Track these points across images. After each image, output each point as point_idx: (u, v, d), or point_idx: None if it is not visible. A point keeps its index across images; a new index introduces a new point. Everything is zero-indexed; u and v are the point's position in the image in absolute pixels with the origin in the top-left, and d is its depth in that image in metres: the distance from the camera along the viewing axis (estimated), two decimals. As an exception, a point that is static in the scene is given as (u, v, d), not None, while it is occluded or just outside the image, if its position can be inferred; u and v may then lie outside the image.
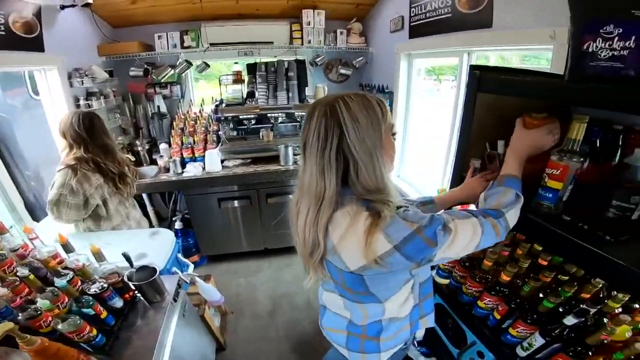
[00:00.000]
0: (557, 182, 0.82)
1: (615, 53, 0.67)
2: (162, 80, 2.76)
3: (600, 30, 0.68)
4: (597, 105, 0.70)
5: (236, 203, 2.66)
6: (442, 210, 0.87)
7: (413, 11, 2.25)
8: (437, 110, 2.49)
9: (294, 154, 2.67)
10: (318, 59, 2.98)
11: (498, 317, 1.09)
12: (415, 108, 2.63)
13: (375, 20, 2.90)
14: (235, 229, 2.80)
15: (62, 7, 2.11)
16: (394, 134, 0.83)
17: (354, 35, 3.05)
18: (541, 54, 1.69)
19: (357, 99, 0.74)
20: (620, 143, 0.82)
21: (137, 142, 2.82)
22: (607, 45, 0.67)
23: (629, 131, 0.85)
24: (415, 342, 1.65)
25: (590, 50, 0.70)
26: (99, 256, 1.34)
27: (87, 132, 1.66)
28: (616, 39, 0.66)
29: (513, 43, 1.48)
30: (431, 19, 2.06)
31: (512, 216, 0.81)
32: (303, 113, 2.77)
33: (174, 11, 2.67)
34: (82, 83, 2.27)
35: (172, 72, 2.65)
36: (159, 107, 2.91)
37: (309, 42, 2.90)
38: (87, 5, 2.17)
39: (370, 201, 0.74)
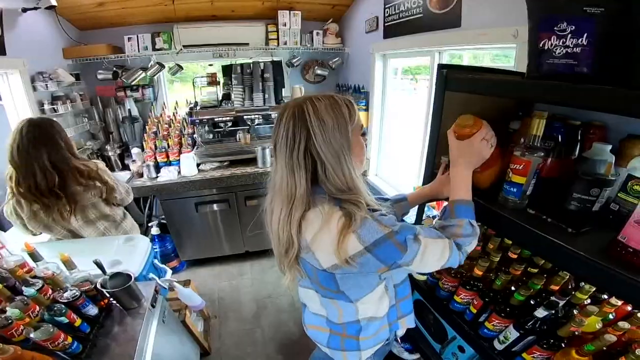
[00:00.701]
0: (520, 176, 0.84)
1: (569, 50, 0.68)
2: (133, 83, 2.68)
3: (555, 28, 0.70)
4: (554, 101, 0.72)
5: (214, 207, 2.61)
6: (419, 226, 0.88)
7: (387, 11, 2.27)
8: (413, 109, 2.53)
9: (272, 156, 2.62)
10: (294, 60, 2.97)
11: (474, 311, 1.11)
12: (391, 107, 2.65)
13: (351, 21, 2.92)
14: (214, 232, 2.75)
15: (24, 10, 2.01)
16: (363, 134, 0.84)
17: (330, 35, 3.06)
18: (510, 53, 1.74)
19: (324, 101, 0.76)
20: (579, 138, 0.85)
21: (108, 147, 2.72)
22: (561, 43, 0.69)
23: (588, 126, 0.89)
24: (398, 339, 1.66)
25: (546, 47, 0.72)
26: (69, 264, 1.31)
27: (24, 147, 1.41)
28: (569, 36, 0.68)
29: (479, 42, 1.52)
30: (404, 19, 2.09)
31: (471, 246, 0.86)
32: (280, 114, 2.74)
33: (145, 13, 2.60)
34: (47, 87, 2.18)
35: (144, 74, 2.57)
36: (130, 110, 2.82)
37: (285, 43, 2.89)
38: (50, 7, 2.07)
39: (342, 200, 0.76)
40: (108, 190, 1.70)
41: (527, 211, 0.86)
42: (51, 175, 1.47)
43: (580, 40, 0.67)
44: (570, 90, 0.67)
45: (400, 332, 1.10)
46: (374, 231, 0.73)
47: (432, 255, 0.79)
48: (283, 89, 2.91)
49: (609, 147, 0.75)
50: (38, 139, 1.45)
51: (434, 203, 1.82)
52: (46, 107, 2.19)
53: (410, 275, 1.35)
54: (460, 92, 0.97)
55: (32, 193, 1.46)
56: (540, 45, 0.72)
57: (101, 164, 1.72)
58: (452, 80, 0.99)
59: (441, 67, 1.02)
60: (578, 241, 0.73)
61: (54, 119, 2.22)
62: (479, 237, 1.17)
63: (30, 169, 1.44)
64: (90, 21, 2.58)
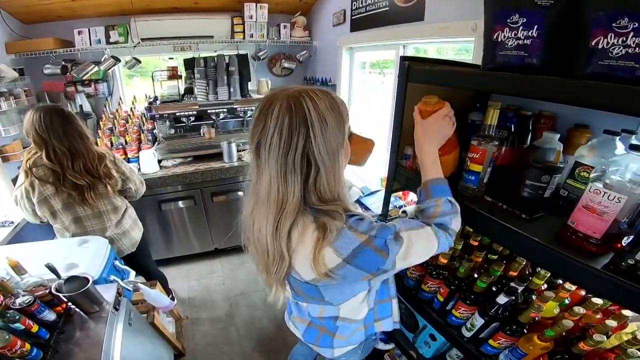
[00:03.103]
0: (477, 165, 0.86)
1: (520, 42, 0.70)
2: (85, 78, 2.52)
3: (507, 20, 0.71)
4: (505, 92, 0.74)
5: (180, 204, 2.52)
6: (396, 219, 0.81)
7: (354, 5, 2.28)
8: (381, 102, 2.56)
9: (238, 150, 2.59)
10: (261, 53, 2.91)
11: (441, 299, 1.13)
12: (359, 100, 2.67)
13: (319, 14, 2.90)
14: (181, 230, 2.66)
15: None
16: (350, 135, 0.79)
17: (298, 29, 3.02)
18: (470, 47, 1.79)
19: (323, 97, 0.67)
20: (531, 127, 0.88)
21: (58, 145, 2.53)
22: (513, 35, 0.71)
23: (538, 116, 0.92)
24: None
25: (499, 39, 0.73)
26: (18, 269, 1.25)
27: (48, 133, 1.44)
28: (521, 28, 0.69)
29: (441, 36, 1.55)
30: (371, 12, 2.10)
31: (457, 223, 0.84)
32: (246, 108, 2.68)
33: (99, 5, 2.44)
34: (-14, 83, 1.99)
35: (96, 69, 2.41)
36: (81, 106, 2.65)
37: (252, 36, 2.83)
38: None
39: (319, 211, 0.70)
40: (124, 180, 1.73)
41: (484, 199, 0.89)
42: (78, 160, 1.52)
43: (530, 32, 0.68)
44: (519, 81, 0.69)
45: (379, 330, 1.07)
46: (350, 241, 0.68)
47: (419, 247, 0.75)
48: (249, 83, 2.85)
49: (558, 135, 0.79)
50: (65, 124, 1.48)
51: (400, 193, 1.86)
52: (-14, 104, 2.01)
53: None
54: (422, 83, 0.98)
55: (57, 177, 1.49)
56: (494, 37, 0.74)
57: (116, 154, 1.72)
58: (414, 72, 1.00)
59: (404, 59, 1.02)
60: (531, 227, 0.76)
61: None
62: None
63: (58, 152, 1.47)
64: (36, 15, 2.39)
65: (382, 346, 1.66)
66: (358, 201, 1.98)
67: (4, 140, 2.17)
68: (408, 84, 1.03)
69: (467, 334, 1.04)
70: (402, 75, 1.04)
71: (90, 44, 2.51)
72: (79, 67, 2.36)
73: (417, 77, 0.99)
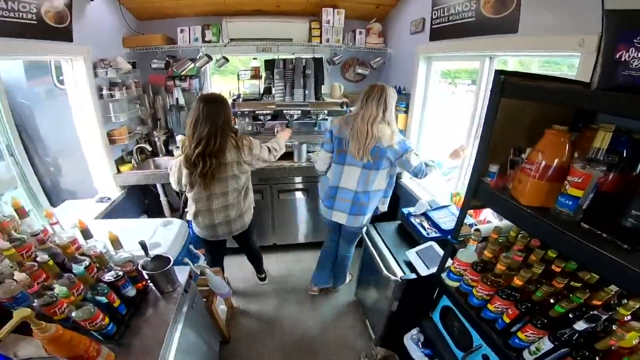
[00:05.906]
0: (578, 190, 0.82)
1: (647, 63, 0.67)
2: (182, 74, 2.80)
3: (634, 40, 0.68)
4: (626, 114, 0.70)
5: (249, 197, 2.68)
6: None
7: (435, 14, 2.23)
8: (452, 114, 2.49)
9: (308, 152, 2.69)
10: (336, 58, 2.98)
11: (507, 320, 1.10)
12: (431, 110, 2.62)
13: (395, 21, 2.89)
14: (246, 222, 2.82)
15: (92, -1, 2.13)
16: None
17: (373, 35, 3.04)
18: (562, 60, 1.68)
19: (390, 87, 1.86)
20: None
21: (155, 133, 2.87)
22: (639, 55, 0.68)
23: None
24: (419, 344, 1.66)
25: (622, 59, 0.70)
26: (116, 244, 1.30)
27: (195, 120, 1.74)
28: (650, 49, 0.66)
29: (539, 49, 1.47)
30: (454, 22, 2.05)
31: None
32: (318, 111, 2.78)
33: (198, 5, 2.70)
34: (107, 74, 2.28)
35: (192, 65, 2.68)
36: (177, 99, 2.94)
37: (327, 40, 2.90)
38: (116, -3, 2.19)
39: (389, 124, 1.84)
40: (255, 161, 1.96)
41: (581, 225, 0.84)
42: (212, 144, 1.74)
43: (659, 54, 0.65)
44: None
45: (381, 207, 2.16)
46: (400, 136, 1.85)
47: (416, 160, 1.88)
48: (323, 86, 2.93)
49: (677, 165, 0.72)
50: (208, 113, 1.73)
51: (472, 212, 1.80)
52: (104, 92, 2.31)
53: (440, 281, 1.43)
54: (519, 99, 0.96)
55: (196, 155, 1.73)
56: (617, 56, 0.71)
57: (255, 141, 1.96)
58: (510, 87, 0.98)
59: (499, 73, 1.01)
60: (634, 258, 0.71)
61: (110, 103, 2.35)
62: (517, 246, 1.19)
63: (198, 137, 1.73)
64: (148, 11, 2.70)
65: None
66: (424, 214, 1.96)
67: (113, 125, 2.46)
68: (501, 99, 1.01)
69: (529, 358, 1.02)
70: (496, 89, 1.02)
71: (189, 42, 2.77)
72: (178, 63, 2.64)
73: (514, 93, 0.97)
